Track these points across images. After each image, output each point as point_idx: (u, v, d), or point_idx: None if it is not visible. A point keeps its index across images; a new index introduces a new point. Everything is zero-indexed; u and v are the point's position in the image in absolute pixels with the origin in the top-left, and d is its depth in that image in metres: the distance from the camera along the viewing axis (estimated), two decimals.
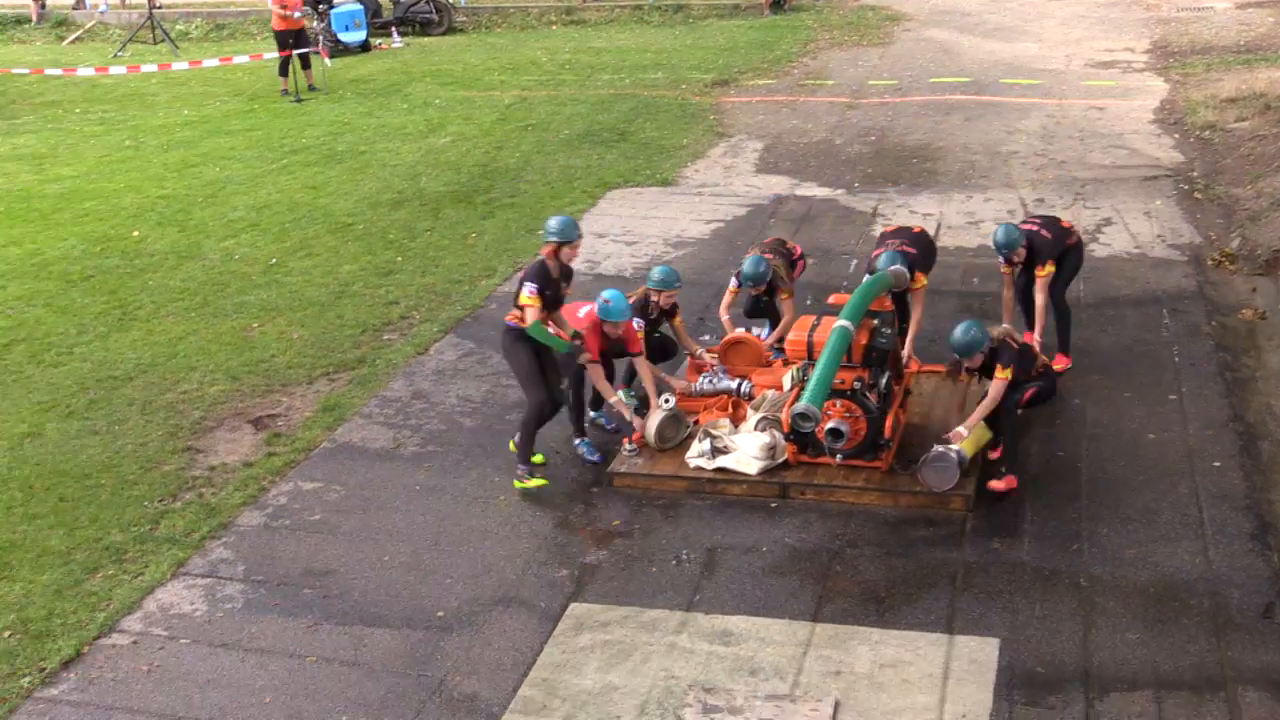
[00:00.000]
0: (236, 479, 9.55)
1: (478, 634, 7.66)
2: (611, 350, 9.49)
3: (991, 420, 8.92)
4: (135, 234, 15.04)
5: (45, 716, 7.21)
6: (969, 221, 13.98)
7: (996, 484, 8.71)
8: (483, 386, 10.88)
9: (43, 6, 30.11)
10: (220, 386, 11.03)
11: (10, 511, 9.24)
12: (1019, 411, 9.01)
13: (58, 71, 23.68)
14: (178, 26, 28.16)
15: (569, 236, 9.20)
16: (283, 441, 10.08)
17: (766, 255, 10.32)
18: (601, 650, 7.44)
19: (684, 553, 8.43)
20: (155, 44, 26.77)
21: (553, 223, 9.31)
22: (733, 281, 10.46)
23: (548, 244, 9.22)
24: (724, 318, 10.61)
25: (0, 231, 15.34)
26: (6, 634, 7.89)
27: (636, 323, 9.55)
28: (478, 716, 6.97)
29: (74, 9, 30.61)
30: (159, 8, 27.81)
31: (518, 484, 9.18)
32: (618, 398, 9.43)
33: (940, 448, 8.59)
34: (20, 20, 30.01)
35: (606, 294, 9.15)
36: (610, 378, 9.52)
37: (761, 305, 10.68)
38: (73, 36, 28.70)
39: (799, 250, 10.93)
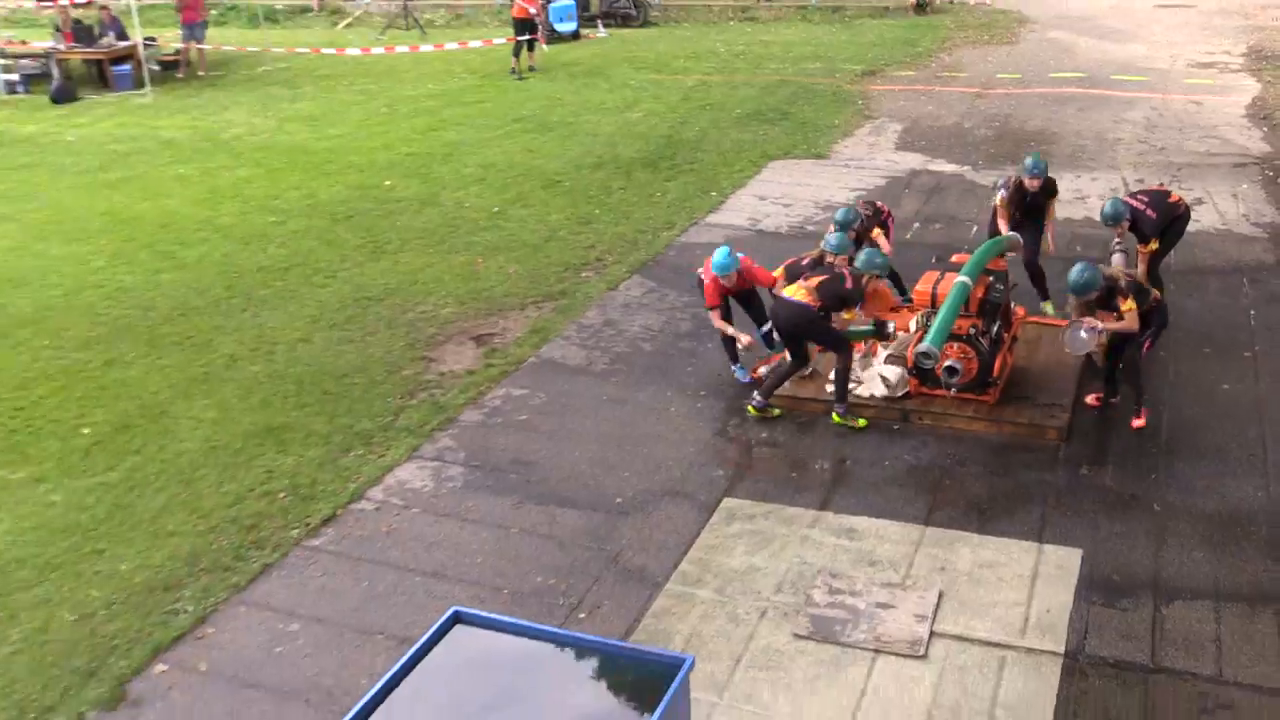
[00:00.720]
0: (460, 384, 9.91)
1: (647, 518, 7.90)
2: (739, 295, 9.55)
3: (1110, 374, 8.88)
4: (387, 183, 15.52)
5: (309, 561, 7.66)
6: (1076, 197, 13.67)
7: (1137, 420, 8.70)
8: (660, 318, 11.07)
9: None
10: (450, 309, 11.40)
11: (286, 400, 9.75)
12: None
13: (331, 51, 24.37)
14: (426, 15, 28.73)
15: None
16: (498, 355, 10.41)
17: (859, 205, 10.29)
18: (748, 538, 7.63)
19: (820, 463, 8.55)
20: (408, 30, 27.36)
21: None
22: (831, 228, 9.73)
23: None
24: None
25: (284, 178, 15.95)
26: (281, 495, 8.36)
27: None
28: (645, 584, 7.22)
29: (345, 0, 31.40)
30: (414, 3, 28.46)
31: (836, 419, 8.95)
32: (748, 337, 9.45)
33: (1085, 322, 8.45)
34: (304, 9, 30.92)
35: (716, 252, 9.24)
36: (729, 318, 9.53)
37: None
38: (344, 23, 29.48)
39: (887, 210, 10.66)
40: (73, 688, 6.61)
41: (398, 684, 5.07)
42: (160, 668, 6.75)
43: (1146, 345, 8.80)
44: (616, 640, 5.46)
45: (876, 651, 6.57)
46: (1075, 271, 8.47)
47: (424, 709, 4.99)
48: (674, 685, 4.97)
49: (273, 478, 8.57)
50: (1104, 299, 8.46)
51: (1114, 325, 8.41)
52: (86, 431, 9.37)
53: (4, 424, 9.54)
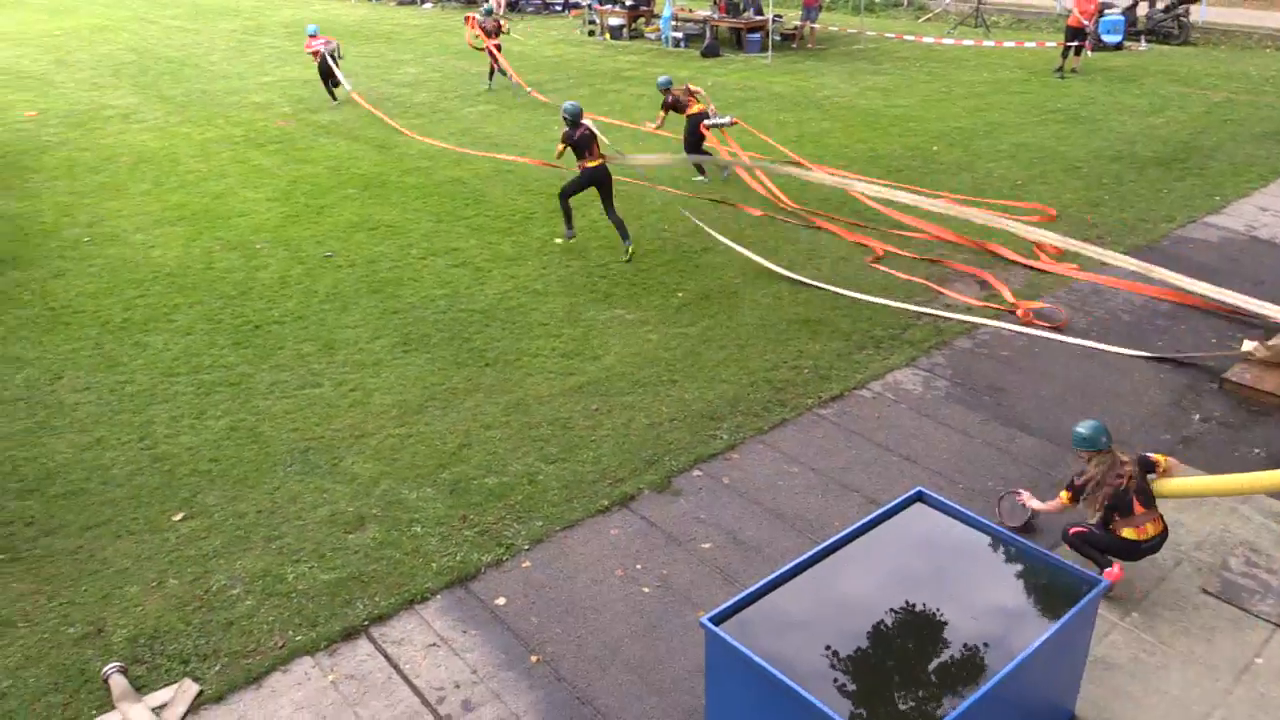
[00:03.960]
0: (960, 315, 9.53)
1: None
2: None
3: None
4: (934, 149, 15.02)
5: (815, 424, 7.82)
6: None
7: None
8: (1143, 296, 10.00)
9: None
10: (965, 255, 10.94)
11: (824, 302, 9.84)
12: None
13: (910, 38, 23.74)
14: (993, 17, 27.11)
15: None
16: (996, 299, 9.90)
17: None
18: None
19: (1258, 450, 7.44)
20: (975, 27, 26.01)
21: None
22: None
23: None
24: None
25: (855, 134, 15.89)
26: (805, 370, 8.54)
27: None
28: None
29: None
30: (984, 3, 26.96)
31: None
32: None
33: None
34: (895, 4, 30.20)
35: None
36: None
37: None
38: (925, 16, 28.53)
39: None
40: (637, 470, 7.22)
41: (860, 535, 5.09)
42: (697, 472, 7.21)
43: None
44: (1045, 549, 5.12)
45: (1278, 627, 5.71)
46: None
47: (873, 561, 4.97)
48: (1087, 597, 4.61)
49: (802, 357, 8.76)
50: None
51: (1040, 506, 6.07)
52: (680, 295, 10.03)
53: (630, 280, 10.42)
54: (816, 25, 24.31)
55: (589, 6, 27.61)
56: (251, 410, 8.19)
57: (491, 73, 19.81)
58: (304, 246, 11.75)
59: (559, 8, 31.57)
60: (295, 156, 15.63)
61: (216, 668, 5.61)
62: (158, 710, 5.36)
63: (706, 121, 13.10)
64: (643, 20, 26.35)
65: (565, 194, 11.04)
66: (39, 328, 9.91)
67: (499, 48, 19.45)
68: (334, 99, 19.12)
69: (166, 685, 5.50)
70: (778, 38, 23.67)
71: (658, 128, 13.83)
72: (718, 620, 4.48)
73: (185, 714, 5.36)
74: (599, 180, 10.69)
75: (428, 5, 34.38)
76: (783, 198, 12.59)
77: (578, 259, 11.02)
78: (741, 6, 24.30)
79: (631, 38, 25.83)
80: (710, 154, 13.27)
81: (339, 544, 6.55)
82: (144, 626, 5.90)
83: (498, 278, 10.61)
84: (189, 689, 5.49)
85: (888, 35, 24.12)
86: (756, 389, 8.24)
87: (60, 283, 11.00)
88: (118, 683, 5.49)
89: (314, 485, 7.17)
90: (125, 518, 6.91)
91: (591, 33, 26.64)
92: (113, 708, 5.37)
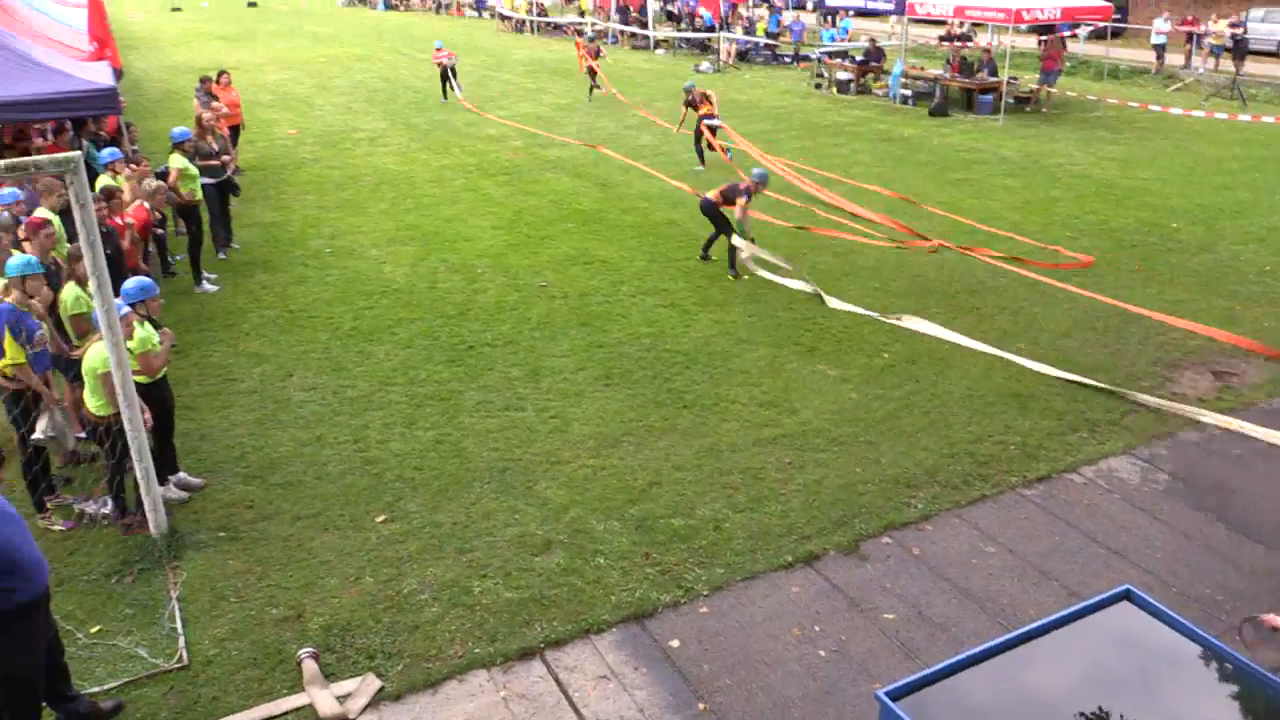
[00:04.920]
0: (1187, 407, 8.87)
1: None
2: None
3: None
4: (1174, 225, 14.13)
5: (1018, 504, 7.45)
6: None
7: None
8: None
9: (1162, 60, 28.61)
10: (1198, 342, 10.22)
11: (1037, 376, 9.39)
12: None
13: (1156, 108, 22.47)
14: (1251, 89, 25.30)
15: None
16: (1231, 393, 9.19)
17: None
18: None
19: None
20: (1230, 99, 24.35)
21: None
22: None
23: None
24: None
25: (1087, 203, 15.16)
26: (1012, 447, 8.16)
27: None
28: None
29: (1182, 68, 28.70)
30: (1241, 75, 25.22)
31: None
32: None
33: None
34: (1142, 71, 28.74)
35: None
36: None
37: None
38: (1174, 86, 26.95)
39: None
40: (825, 530, 7.09)
41: (1058, 627, 4.79)
42: (886, 539, 7.00)
43: None
44: (1262, 670, 4.67)
45: None
46: None
47: (1070, 658, 4.67)
48: None
49: (1009, 432, 8.39)
50: None
51: None
52: (886, 355, 9.82)
53: (836, 336, 10.31)
54: (1054, 89, 23.44)
55: (818, 60, 27.69)
56: (457, 426, 8.59)
57: (591, 89, 24.71)
58: (522, 274, 12.27)
59: (788, 60, 31.82)
60: (521, 188, 16.38)
61: (399, 667, 5.88)
62: (341, 699, 5.66)
63: (708, 121, 16.86)
64: (871, 76, 26.19)
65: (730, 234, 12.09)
66: (278, 328, 10.77)
67: (594, 71, 24.57)
68: (445, 98, 24.62)
69: (352, 676, 5.80)
70: (1011, 100, 22.97)
71: (680, 125, 18.36)
72: (895, 696, 4.32)
73: (365, 707, 5.63)
74: (712, 215, 12.01)
75: (660, 52, 35.41)
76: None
77: (785, 310, 11.00)
78: (975, 66, 23.75)
79: (859, 93, 25.70)
80: (704, 160, 17.16)
81: (525, 565, 6.75)
82: (338, 618, 6.26)
83: (703, 321, 10.72)
84: (371, 683, 5.78)
85: (1130, 103, 22.95)
86: (957, 460, 7.95)
87: (300, 289, 11.93)
88: (309, 667, 5.85)
89: (507, 504, 7.43)
90: (333, 513, 7.37)
91: (819, 85, 26.69)
92: (302, 690, 5.72)
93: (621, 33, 38.22)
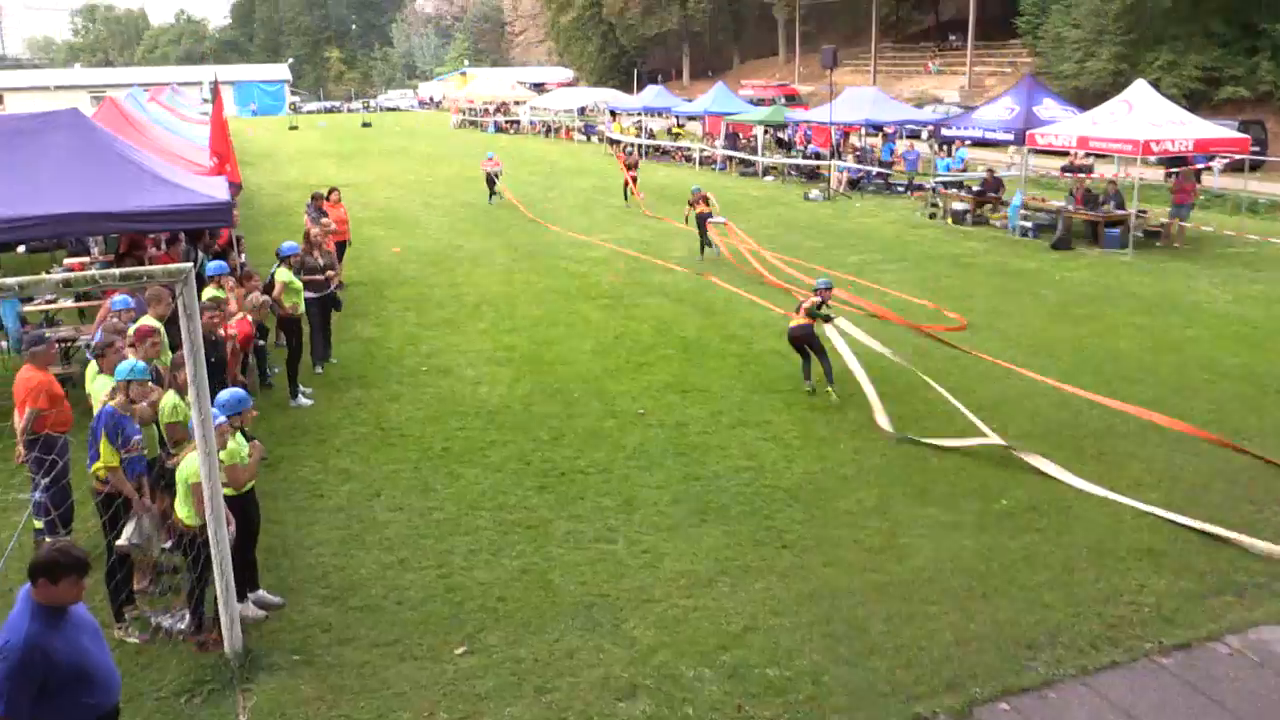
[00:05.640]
0: None
1: None
2: None
3: None
4: None
5: (1152, 674, 7.00)
6: None
7: None
8: None
9: None
10: None
11: (1170, 531, 8.91)
12: None
13: None
14: None
15: None
16: None
17: None
18: None
19: None
20: None
21: None
22: None
23: None
24: None
25: (1219, 345, 14.61)
26: (1146, 609, 7.72)
27: None
28: None
29: None
30: None
31: None
32: None
33: None
34: None
35: None
36: None
37: None
38: None
39: None
40: (935, 690, 6.75)
41: None
42: (1003, 706, 6.62)
43: None
44: None
45: None
46: None
47: None
48: None
49: (1143, 592, 7.93)
50: None
51: None
52: (1004, 502, 9.48)
53: (949, 478, 10.02)
54: (1187, 223, 22.99)
55: (933, 189, 27.83)
56: (545, 555, 8.53)
57: (626, 195, 29.03)
58: (619, 400, 12.33)
59: (902, 189, 32.05)
60: (622, 312, 16.64)
61: None
62: None
63: (713, 220, 20.51)
64: (989, 206, 26.16)
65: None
66: (369, 445, 10.98)
67: (635, 179, 29.17)
68: (490, 200, 29.41)
69: None
70: (1140, 234, 22.59)
71: (687, 221, 21.55)
72: None
73: None
74: (804, 339, 12.29)
75: (769, 178, 36.09)
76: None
77: (895, 448, 10.78)
78: (1101, 198, 23.52)
79: (975, 224, 25.64)
80: (710, 244, 21.03)
81: (608, 710, 6.56)
82: None
83: (807, 457, 10.56)
84: None
85: (1271, 239, 22.35)
86: (1083, 620, 7.53)
87: (394, 406, 12.19)
88: None
89: (593, 643, 7.28)
90: (412, 641, 7.32)
91: (933, 215, 26.74)
92: None
93: (729, 158, 39.17)
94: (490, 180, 29.86)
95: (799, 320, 12.38)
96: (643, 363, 13.85)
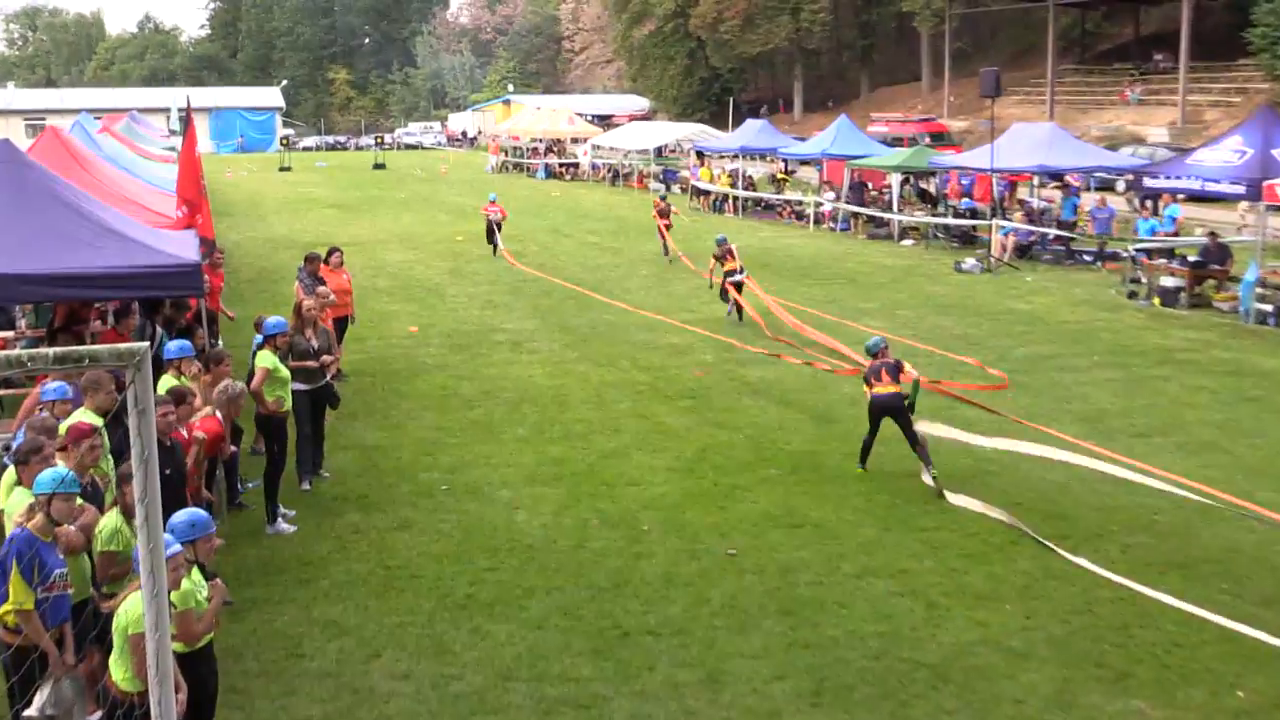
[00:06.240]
0: None
1: None
2: None
3: None
4: None
5: None
6: None
7: None
8: None
9: None
10: None
11: None
12: None
13: None
14: None
15: None
16: None
17: None
18: None
19: None
20: None
21: None
22: None
23: None
24: None
25: None
26: None
27: None
28: None
29: None
30: None
31: None
32: None
33: None
34: None
35: None
36: None
37: None
38: None
39: None
40: None
41: None
42: None
43: None
44: None
45: None
46: None
47: None
48: None
49: None
50: None
51: None
52: (1240, 695, 9.16)
53: (1158, 657, 9.71)
54: None
55: (1132, 259, 27.60)
56: None
57: (665, 249, 31.97)
58: (702, 536, 12.23)
59: (1089, 258, 31.81)
60: (709, 417, 16.61)
61: None
62: None
63: (733, 278, 23.32)
64: (1211, 283, 25.82)
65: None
66: (368, 589, 11.00)
67: (669, 227, 32.28)
68: (494, 253, 32.52)
69: None
70: None
71: (710, 274, 24.25)
72: None
73: None
74: (890, 410, 13.64)
75: (907, 242, 36.16)
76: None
77: (1081, 613, 10.50)
78: None
79: (1192, 305, 25.31)
80: (737, 306, 23.68)
81: None
82: None
83: (959, 621, 10.34)
84: None
85: None
86: None
87: (403, 537, 12.24)
88: None
89: None
90: None
91: (1133, 294, 26.47)
92: None
93: (855, 216, 39.36)
94: (491, 230, 32.93)
95: (887, 388, 13.62)
96: (735, 486, 13.76)
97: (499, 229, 33.00)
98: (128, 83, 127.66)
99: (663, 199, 36.03)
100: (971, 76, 55.26)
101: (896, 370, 13.78)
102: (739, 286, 23.52)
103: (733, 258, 23.44)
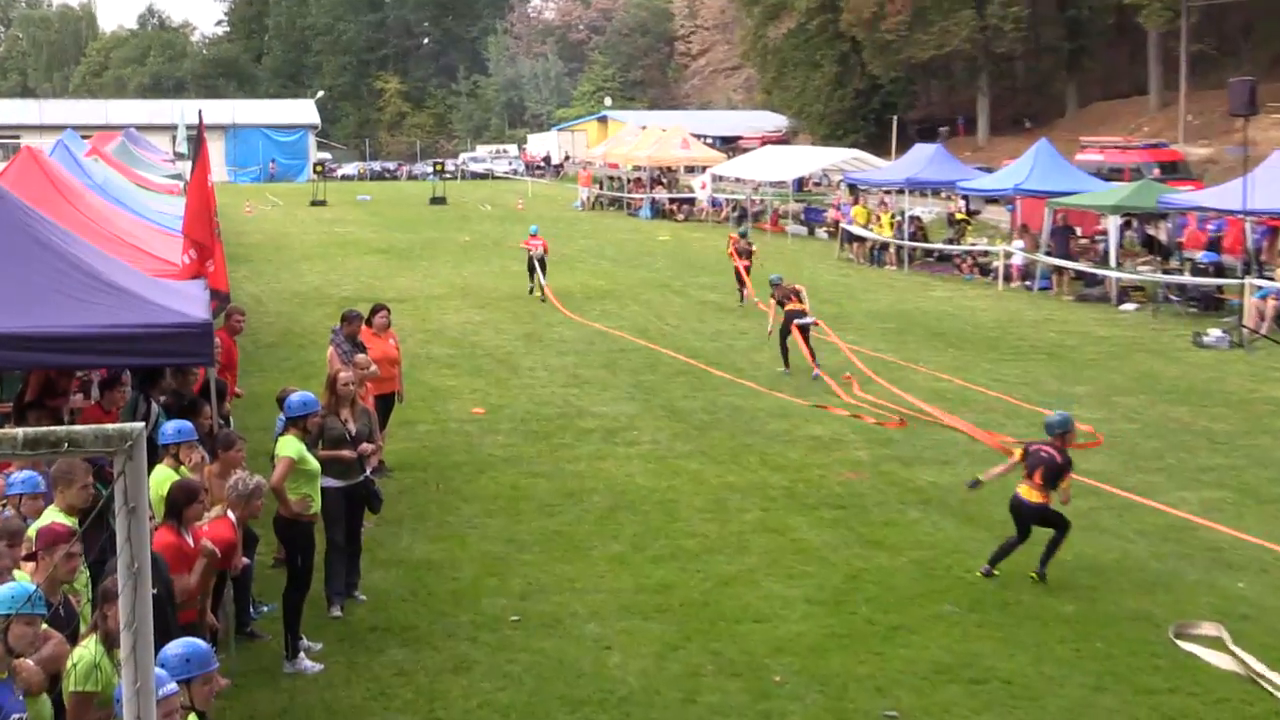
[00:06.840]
0: None
1: None
2: None
3: None
4: None
5: None
6: None
7: None
8: None
9: None
10: None
11: None
12: None
13: None
14: None
15: None
16: None
17: None
18: None
19: None
20: None
21: None
22: None
23: None
24: None
25: None
26: None
27: None
28: None
29: None
30: None
31: None
32: None
33: None
34: None
35: None
36: None
37: None
38: None
39: None
40: None
41: None
42: None
43: None
44: None
45: None
46: None
47: None
48: None
49: None
50: None
51: None
52: None
53: None
54: None
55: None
56: None
57: (742, 295, 35.67)
58: (852, 692, 12.08)
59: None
60: (863, 534, 16.46)
61: None
62: None
63: (799, 321, 25.26)
64: None
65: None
66: None
67: (748, 269, 35.27)
68: (531, 290, 36.61)
69: None
70: None
71: (770, 326, 27.07)
72: None
73: None
74: (1040, 518, 14.38)
75: (1129, 306, 35.69)
76: None
77: None
78: None
79: None
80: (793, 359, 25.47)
81: None
82: None
83: None
84: None
85: None
86: None
87: (460, 681, 12.23)
88: None
89: None
90: None
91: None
92: None
93: (1058, 271, 38.91)
94: (532, 266, 36.62)
95: (1032, 494, 14.28)
96: (897, 625, 13.59)
97: (543, 267, 36.39)
98: (124, 93, 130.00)
99: (743, 236, 38.54)
100: (1217, 89, 54.61)
101: (1056, 475, 14.07)
102: (805, 332, 25.58)
103: (798, 299, 25.60)
